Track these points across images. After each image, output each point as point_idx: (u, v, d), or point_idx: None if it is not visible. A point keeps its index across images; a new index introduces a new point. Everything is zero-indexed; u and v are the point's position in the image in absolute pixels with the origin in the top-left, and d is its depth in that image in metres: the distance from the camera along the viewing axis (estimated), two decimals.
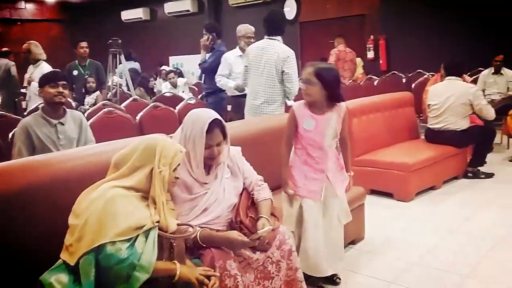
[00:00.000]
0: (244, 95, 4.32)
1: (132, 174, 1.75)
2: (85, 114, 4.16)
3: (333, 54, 7.77)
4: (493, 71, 6.52)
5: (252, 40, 4.68)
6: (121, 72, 6.96)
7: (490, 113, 4.73)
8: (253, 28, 4.85)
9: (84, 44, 6.10)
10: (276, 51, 3.90)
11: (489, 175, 4.80)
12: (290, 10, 10.41)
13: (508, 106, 5.67)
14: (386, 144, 4.69)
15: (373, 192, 4.30)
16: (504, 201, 4.08)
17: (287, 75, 3.89)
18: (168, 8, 12.27)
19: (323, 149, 2.49)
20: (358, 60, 8.14)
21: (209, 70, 4.86)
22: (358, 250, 3.21)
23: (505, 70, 6.47)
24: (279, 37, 4.01)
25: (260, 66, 3.95)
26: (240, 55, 4.68)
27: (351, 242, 3.24)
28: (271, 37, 3.99)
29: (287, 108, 3.92)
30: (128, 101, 5.33)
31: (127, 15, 13.23)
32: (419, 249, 3.17)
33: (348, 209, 2.67)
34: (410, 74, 7.55)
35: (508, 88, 6.42)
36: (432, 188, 4.48)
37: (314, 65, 2.44)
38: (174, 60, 12.44)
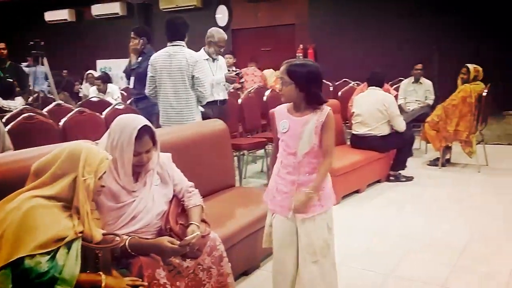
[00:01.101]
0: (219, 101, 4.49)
1: (54, 182, 1.67)
2: (4, 119, 3.90)
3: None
4: (412, 80, 6.89)
5: (222, 50, 4.63)
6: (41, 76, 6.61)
7: (401, 125, 4.99)
8: (226, 36, 4.71)
9: (1, 45, 5.75)
10: (184, 56, 3.86)
11: (409, 179, 5.11)
12: (222, 17, 10.48)
13: (426, 114, 6.06)
14: None
15: None
16: (422, 203, 4.36)
17: (197, 79, 3.86)
18: (96, 10, 11.84)
19: (297, 156, 2.18)
20: (270, 72, 8.38)
21: (143, 75, 4.74)
22: None
23: (423, 80, 6.87)
24: (183, 42, 3.97)
25: (169, 73, 3.89)
26: (207, 59, 4.52)
27: None
28: (174, 43, 3.94)
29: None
30: (51, 105, 5.05)
31: (51, 16, 12.59)
32: (345, 250, 3.28)
33: (321, 246, 2.20)
34: (337, 83, 7.82)
35: (426, 97, 6.85)
36: (357, 191, 4.69)
37: (289, 62, 2.18)
38: (101, 63, 12.02)
